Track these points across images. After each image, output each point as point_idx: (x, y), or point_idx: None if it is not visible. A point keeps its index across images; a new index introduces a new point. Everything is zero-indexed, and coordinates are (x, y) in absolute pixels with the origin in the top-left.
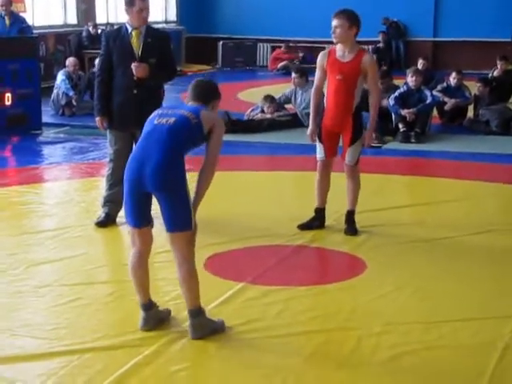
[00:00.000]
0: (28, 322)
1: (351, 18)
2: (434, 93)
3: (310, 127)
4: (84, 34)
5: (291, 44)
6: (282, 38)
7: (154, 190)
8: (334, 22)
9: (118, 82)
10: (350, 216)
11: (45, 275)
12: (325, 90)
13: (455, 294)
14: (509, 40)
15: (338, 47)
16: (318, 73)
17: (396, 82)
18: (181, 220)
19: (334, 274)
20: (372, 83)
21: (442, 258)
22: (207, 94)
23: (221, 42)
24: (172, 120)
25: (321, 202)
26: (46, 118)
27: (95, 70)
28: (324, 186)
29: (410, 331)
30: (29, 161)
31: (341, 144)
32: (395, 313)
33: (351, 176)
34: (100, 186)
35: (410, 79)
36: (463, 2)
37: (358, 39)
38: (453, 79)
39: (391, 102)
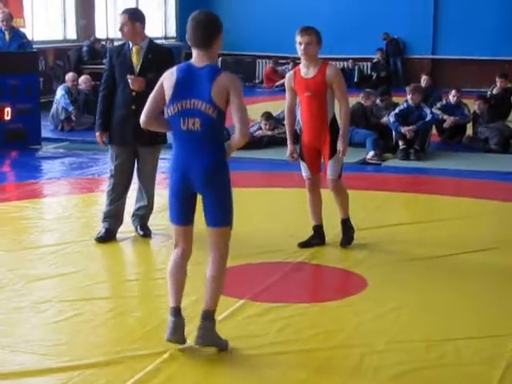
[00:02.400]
0: (28, 338)
1: (318, 35)
2: (434, 110)
3: (289, 147)
4: (84, 49)
5: (280, 61)
6: (281, 55)
7: (203, 189)
8: (305, 39)
9: (119, 97)
10: (345, 224)
11: (45, 291)
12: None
13: (456, 312)
14: (507, 58)
15: (302, 65)
16: (287, 94)
17: (394, 99)
18: (225, 216)
19: (335, 291)
20: (339, 93)
21: (443, 276)
22: (210, 34)
23: (220, 58)
24: (198, 123)
25: (316, 219)
26: (45, 133)
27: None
28: (315, 203)
29: (413, 349)
30: (28, 176)
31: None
32: (397, 331)
33: (336, 191)
34: (99, 202)
35: (410, 96)
36: (462, 20)
37: (357, 56)
38: (452, 97)
39: (391, 119)
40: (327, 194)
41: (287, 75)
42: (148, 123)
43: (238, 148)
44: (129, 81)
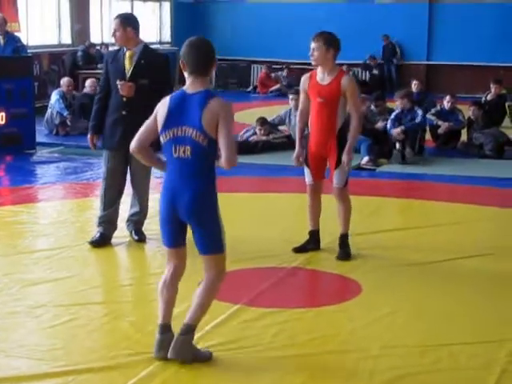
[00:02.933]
0: (23, 343)
1: (328, 41)
2: (428, 116)
3: (296, 150)
4: (78, 53)
5: (274, 66)
6: (276, 60)
7: (189, 220)
8: (312, 45)
9: (112, 102)
10: (344, 240)
11: (40, 296)
12: None
13: (451, 318)
14: (502, 64)
15: (318, 70)
16: (301, 96)
17: (389, 104)
18: (214, 244)
19: (330, 296)
20: (351, 104)
21: (438, 282)
22: (205, 62)
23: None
24: (188, 151)
25: (313, 225)
26: (39, 138)
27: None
28: (315, 209)
29: (407, 354)
30: (23, 180)
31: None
32: (392, 336)
33: (340, 199)
34: (94, 206)
35: (399, 102)
36: (456, 26)
37: (352, 61)
38: (446, 103)
39: (389, 125)
40: (326, 200)
41: (303, 77)
42: (137, 152)
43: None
44: (118, 86)
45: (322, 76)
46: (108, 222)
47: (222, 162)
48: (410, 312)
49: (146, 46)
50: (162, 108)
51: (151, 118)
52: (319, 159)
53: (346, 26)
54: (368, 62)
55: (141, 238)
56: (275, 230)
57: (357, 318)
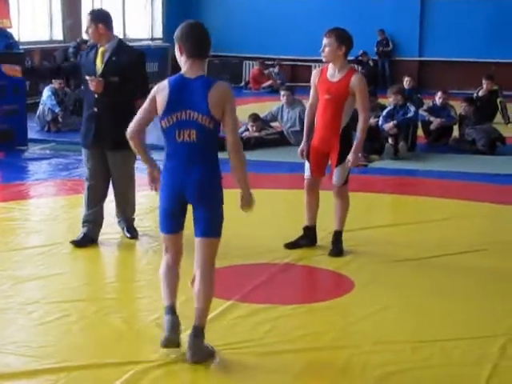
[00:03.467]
0: (15, 340)
1: (340, 38)
2: (420, 112)
3: (302, 144)
4: (70, 50)
5: (266, 62)
6: (268, 56)
7: (196, 202)
8: (324, 41)
9: (86, 98)
10: (337, 237)
11: (32, 292)
12: None
13: (443, 313)
14: (493, 60)
15: (330, 66)
16: (311, 90)
17: (381, 100)
18: (216, 227)
19: (322, 292)
20: (360, 104)
21: (430, 277)
22: (206, 44)
23: (206, 60)
24: (193, 135)
25: (310, 221)
26: (31, 134)
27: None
28: (312, 205)
29: (400, 350)
30: (14, 177)
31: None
32: (384, 332)
33: (339, 196)
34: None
35: (392, 98)
36: (448, 22)
37: (348, 57)
38: (438, 98)
39: (380, 121)
40: (323, 196)
41: (314, 71)
42: (133, 136)
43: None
44: (88, 82)
45: (332, 72)
46: (92, 222)
47: (230, 145)
48: (403, 308)
49: (120, 42)
50: (161, 92)
51: (148, 99)
52: (321, 155)
53: (338, 22)
54: (360, 58)
55: (133, 235)
56: (267, 226)
57: (349, 314)
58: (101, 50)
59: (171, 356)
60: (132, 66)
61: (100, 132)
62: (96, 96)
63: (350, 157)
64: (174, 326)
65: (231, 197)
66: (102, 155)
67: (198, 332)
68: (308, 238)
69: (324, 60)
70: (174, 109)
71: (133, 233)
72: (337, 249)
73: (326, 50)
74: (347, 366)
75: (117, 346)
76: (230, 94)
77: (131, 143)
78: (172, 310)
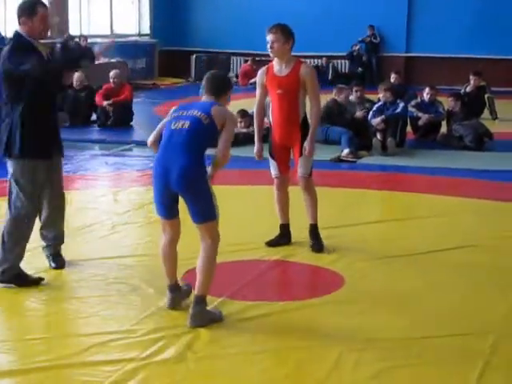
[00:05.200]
0: (2, 338)
1: (286, 32)
2: (409, 108)
3: (256, 145)
4: (57, 46)
5: (257, 58)
6: (255, 52)
7: (180, 191)
8: (270, 37)
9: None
10: (314, 230)
11: (17, 291)
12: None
13: (434, 310)
14: (481, 56)
15: (275, 62)
16: (258, 90)
17: (367, 96)
18: (206, 212)
19: (312, 289)
20: (311, 93)
21: (420, 274)
22: (219, 87)
23: (194, 56)
24: (187, 124)
25: (284, 218)
26: None
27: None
28: (284, 202)
29: (391, 347)
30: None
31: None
32: (375, 329)
33: (306, 188)
34: (74, 200)
35: (382, 94)
36: (435, 18)
37: (331, 53)
38: (426, 94)
39: (370, 115)
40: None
41: (260, 71)
42: (152, 144)
43: (220, 167)
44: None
45: (279, 68)
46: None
47: (218, 151)
48: (393, 305)
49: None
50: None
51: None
52: (284, 150)
53: (324, 17)
54: (354, 52)
55: (59, 265)
56: (256, 222)
57: (340, 311)
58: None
59: (161, 353)
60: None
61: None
62: None
63: (305, 144)
64: (175, 303)
65: (219, 193)
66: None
67: (198, 300)
68: (286, 236)
69: (272, 56)
70: (179, 111)
71: (58, 263)
72: (318, 243)
73: (275, 45)
74: (338, 363)
75: (106, 344)
76: (231, 115)
77: (152, 148)
78: (171, 288)
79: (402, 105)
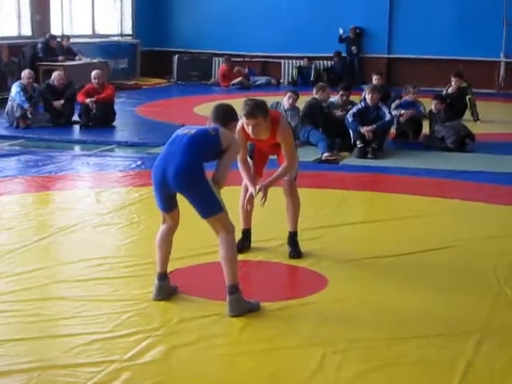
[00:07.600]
0: None
1: (262, 111)
2: (392, 111)
3: (250, 189)
4: (39, 45)
5: (232, 59)
6: (237, 53)
7: (179, 190)
8: (251, 122)
9: None
10: (293, 238)
11: (1, 290)
12: None
13: (417, 310)
14: (462, 58)
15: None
16: (240, 143)
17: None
18: (211, 206)
19: (296, 289)
20: (285, 152)
21: (403, 274)
22: (226, 116)
23: (176, 56)
24: (193, 131)
25: (247, 223)
26: (0, 131)
27: (50, 81)
28: (249, 208)
29: (374, 348)
30: None
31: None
32: (359, 329)
33: (290, 193)
34: (57, 200)
35: (368, 96)
36: (417, 19)
37: (313, 54)
38: (407, 93)
39: (349, 118)
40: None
41: (236, 130)
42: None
43: (223, 181)
44: None
45: None
46: None
47: (218, 168)
48: (377, 305)
49: None
50: None
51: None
52: (264, 156)
53: (306, 18)
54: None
55: None
56: (239, 223)
57: (323, 311)
58: None
59: (144, 355)
60: None
61: None
62: None
63: (261, 185)
64: (162, 291)
65: None
66: None
67: (231, 289)
68: (249, 240)
69: (256, 137)
70: (188, 128)
71: None
72: (296, 251)
73: (258, 128)
74: (322, 363)
75: (91, 344)
76: (237, 142)
77: None
78: (161, 277)
79: (386, 111)
